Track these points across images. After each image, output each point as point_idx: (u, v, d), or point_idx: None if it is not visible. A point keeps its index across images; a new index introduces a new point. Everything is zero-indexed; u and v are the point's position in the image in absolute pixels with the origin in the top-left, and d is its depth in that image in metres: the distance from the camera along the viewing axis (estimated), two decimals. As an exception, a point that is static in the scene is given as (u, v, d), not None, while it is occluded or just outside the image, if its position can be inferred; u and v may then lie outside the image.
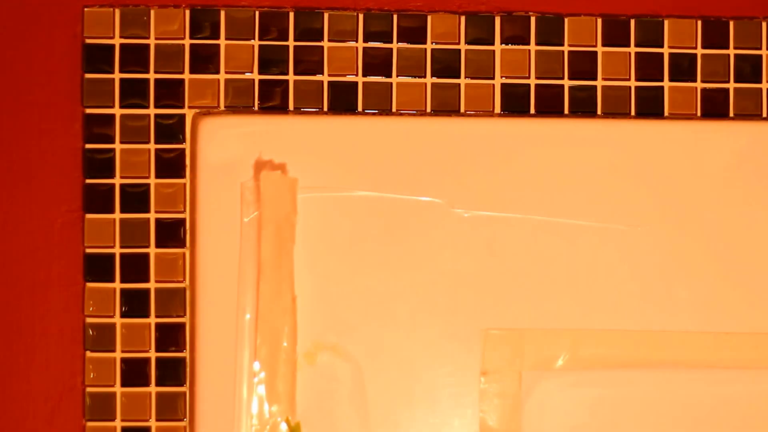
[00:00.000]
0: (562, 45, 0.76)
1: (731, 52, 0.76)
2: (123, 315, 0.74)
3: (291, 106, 0.75)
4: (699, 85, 0.76)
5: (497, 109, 0.76)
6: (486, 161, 0.74)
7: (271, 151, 0.73)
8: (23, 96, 0.74)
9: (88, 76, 0.74)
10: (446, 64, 0.75)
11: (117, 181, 0.74)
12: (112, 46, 0.74)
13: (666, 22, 0.76)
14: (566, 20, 0.76)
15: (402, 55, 0.75)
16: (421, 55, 0.75)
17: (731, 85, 0.76)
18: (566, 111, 0.76)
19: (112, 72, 0.74)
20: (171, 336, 0.74)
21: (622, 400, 0.74)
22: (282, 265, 0.72)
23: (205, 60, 0.75)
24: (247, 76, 0.75)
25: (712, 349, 0.74)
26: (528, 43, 0.76)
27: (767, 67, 0.76)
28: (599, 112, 0.76)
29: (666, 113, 0.76)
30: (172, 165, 0.74)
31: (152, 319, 0.74)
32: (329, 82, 0.75)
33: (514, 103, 0.76)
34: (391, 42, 0.75)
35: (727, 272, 0.74)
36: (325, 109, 0.75)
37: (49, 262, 0.74)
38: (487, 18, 0.76)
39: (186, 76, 0.75)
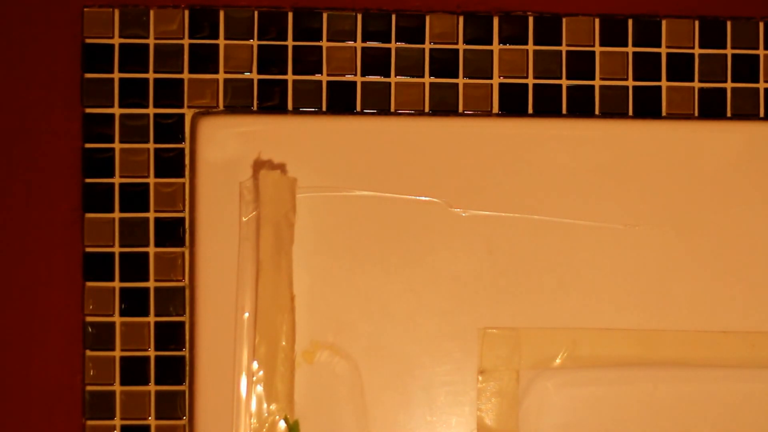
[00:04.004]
0: (560, 45, 0.76)
1: (729, 52, 0.76)
2: (122, 314, 0.74)
3: (290, 106, 0.75)
4: (696, 84, 0.76)
5: (495, 109, 0.76)
6: (484, 161, 0.74)
7: (270, 150, 0.73)
8: (23, 96, 0.75)
9: (87, 75, 0.74)
10: (445, 64, 0.76)
11: (116, 180, 0.74)
12: (112, 46, 0.75)
13: (664, 22, 0.76)
14: (564, 20, 0.76)
15: (400, 55, 0.76)
16: (420, 54, 0.76)
17: (729, 85, 0.76)
18: (564, 111, 0.76)
19: (112, 72, 0.75)
20: (170, 335, 0.74)
21: (620, 399, 0.74)
22: (281, 265, 0.72)
23: (204, 60, 0.75)
24: (247, 75, 0.75)
25: (710, 347, 0.74)
26: (526, 43, 0.76)
27: (764, 67, 0.76)
28: (597, 111, 0.76)
29: (664, 113, 0.76)
30: (171, 164, 0.74)
31: (152, 318, 0.74)
32: (328, 82, 0.75)
33: (513, 103, 0.76)
34: (390, 42, 0.76)
35: (725, 271, 0.74)
36: (324, 108, 0.75)
37: (49, 261, 0.74)
38: (486, 18, 0.76)
39: (185, 75, 0.75)
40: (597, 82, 0.76)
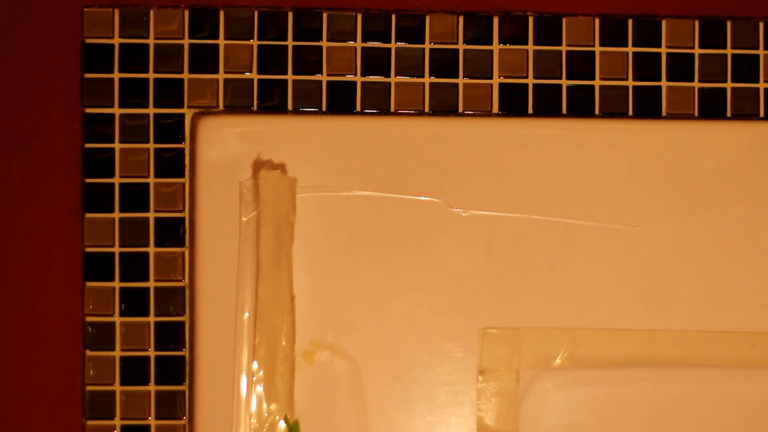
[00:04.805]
0: (560, 45, 0.76)
1: (729, 52, 0.76)
2: (122, 314, 0.74)
3: (290, 106, 0.75)
4: (696, 84, 0.76)
5: (495, 109, 0.76)
6: (484, 161, 0.74)
7: (270, 150, 0.73)
8: (23, 96, 0.75)
9: (87, 75, 0.75)
10: (445, 64, 0.76)
11: (116, 180, 0.74)
12: (112, 46, 0.75)
13: (664, 22, 0.76)
14: (564, 20, 0.76)
15: (400, 55, 0.76)
16: (420, 54, 0.76)
17: (729, 85, 0.76)
18: (564, 111, 0.76)
19: (112, 72, 0.75)
20: (170, 335, 0.74)
21: (620, 399, 0.74)
22: (281, 265, 0.72)
23: (204, 60, 0.75)
24: (247, 75, 0.75)
25: (710, 348, 0.74)
26: (526, 43, 0.76)
27: (764, 67, 0.76)
28: (597, 111, 0.76)
29: (664, 113, 0.76)
30: (171, 164, 0.75)
31: (152, 318, 0.74)
32: (328, 82, 0.75)
33: (513, 103, 0.76)
34: (390, 42, 0.76)
35: (725, 271, 0.74)
36: (324, 108, 0.75)
37: (49, 261, 0.74)
38: (486, 18, 0.76)
39: (185, 75, 0.75)
40: (597, 82, 0.76)
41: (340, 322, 0.73)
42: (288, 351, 0.72)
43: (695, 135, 0.75)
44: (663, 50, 0.76)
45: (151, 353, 0.74)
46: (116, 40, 0.75)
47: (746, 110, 0.76)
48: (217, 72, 0.75)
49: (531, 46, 0.76)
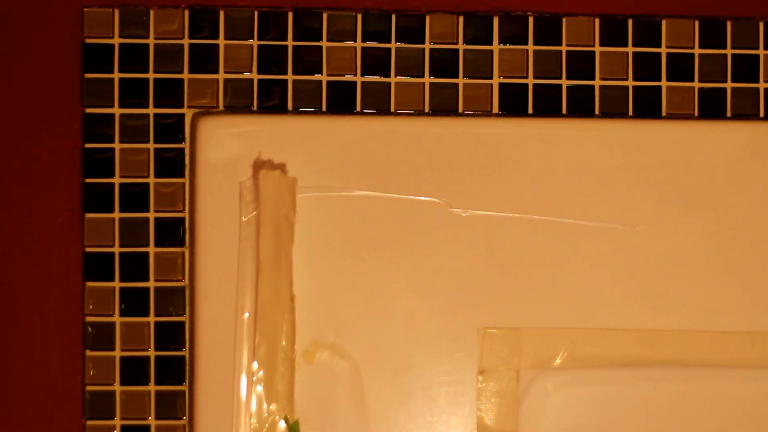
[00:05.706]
0: (560, 45, 0.76)
1: (729, 52, 0.76)
2: (122, 314, 0.74)
3: (290, 106, 0.75)
4: (696, 84, 0.76)
5: (495, 109, 0.76)
6: (484, 161, 0.74)
7: (270, 150, 0.73)
8: (23, 96, 0.75)
9: (87, 75, 0.75)
10: (445, 64, 0.76)
11: (116, 180, 0.74)
12: (112, 46, 0.75)
13: (664, 22, 0.76)
14: (564, 20, 0.76)
15: (400, 55, 0.76)
16: (420, 54, 0.76)
17: (729, 85, 0.76)
18: (564, 111, 0.76)
19: (112, 72, 0.75)
20: (170, 335, 0.74)
21: (620, 399, 0.74)
22: (281, 265, 0.72)
23: (204, 60, 0.75)
24: (246, 75, 0.75)
25: (710, 347, 0.74)
26: (526, 43, 0.76)
27: (764, 67, 0.76)
28: (597, 111, 0.76)
29: (664, 113, 0.76)
30: (171, 164, 0.75)
31: (152, 318, 0.74)
32: (328, 82, 0.75)
33: (513, 103, 0.76)
34: (390, 42, 0.76)
35: (725, 271, 0.74)
36: (324, 108, 0.75)
37: (49, 261, 0.74)
38: (486, 18, 0.76)
39: (185, 75, 0.75)
40: (597, 82, 0.76)
41: (340, 322, 0.73)
42: (288, 351, 0.72)
43: (695, 135, 0.75)
44: (663, 50, 0.76)
45: (151, 353, 0.74)
46: (116, 40, 0.75)
47: (746, 110, 0.76)
48: (217, 72, 0.75)
49: (531, 46, 0.76)
